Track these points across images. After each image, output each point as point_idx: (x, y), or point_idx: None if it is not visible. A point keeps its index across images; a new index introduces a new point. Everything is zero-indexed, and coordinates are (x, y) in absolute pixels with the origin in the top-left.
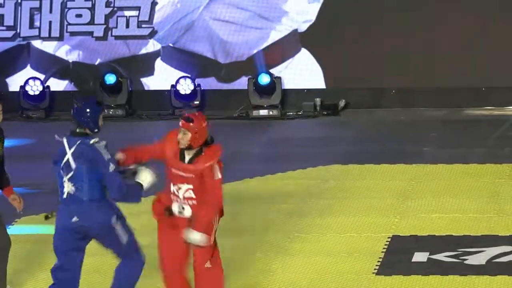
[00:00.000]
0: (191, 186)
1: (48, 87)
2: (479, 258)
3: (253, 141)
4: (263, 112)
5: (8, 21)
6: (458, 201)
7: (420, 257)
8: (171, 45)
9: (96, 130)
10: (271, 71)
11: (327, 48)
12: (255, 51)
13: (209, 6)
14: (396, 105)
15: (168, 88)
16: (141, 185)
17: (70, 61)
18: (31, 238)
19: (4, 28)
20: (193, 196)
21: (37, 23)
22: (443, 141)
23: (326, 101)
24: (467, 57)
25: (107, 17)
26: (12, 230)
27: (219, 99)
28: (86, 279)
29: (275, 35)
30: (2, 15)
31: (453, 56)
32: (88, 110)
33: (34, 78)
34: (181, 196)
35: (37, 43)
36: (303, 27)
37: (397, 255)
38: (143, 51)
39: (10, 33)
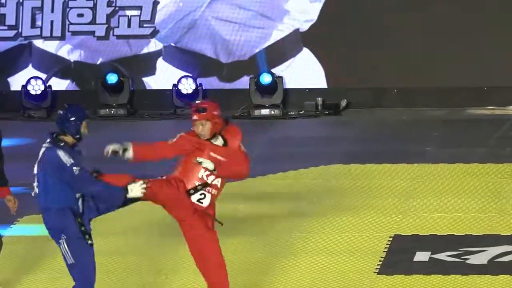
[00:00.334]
0: None
1: (49, 86)
2: (480, 258)
3: (255, 141)
4: (265, 111)
5: (10, 20)
6: (460, 201)
7: (421, 256)
8: (172, 44)
9: (77, 136)
10: (273, 70)
11: (329, 48)
12: (257, 51)
13: (211, 5)
14: (397, 105)
15: (170, 87)
16: (126, 191)
17: (72, 60)
18: (31, 238)
19: (5, 27)
20: (218, 185)
21: (38, 23)
22: (445, 140)
23: (328, 100)
24: (469, 57)
25: (109, 17)
26: (13, 230)
27: (221, 99)
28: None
29: (276, 35)
30: (4, 15)
31: (454, 56)
32: (70, 116)
33: (36, 78)
34: (209, 181)
35: (38, 43)
36: (304, 27)
37: (399, 255)
38: (145, 50)
39: (12, 33)
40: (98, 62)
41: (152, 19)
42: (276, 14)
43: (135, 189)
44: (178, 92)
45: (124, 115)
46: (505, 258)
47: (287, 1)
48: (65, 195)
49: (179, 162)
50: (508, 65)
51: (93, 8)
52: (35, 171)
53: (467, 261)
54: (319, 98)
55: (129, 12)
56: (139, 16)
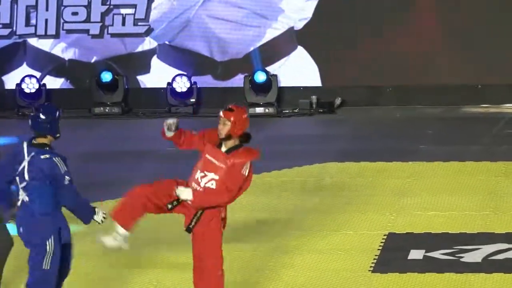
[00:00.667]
0: (216, 177)
1: (44, 85)
2: (475, 256)
3: None
4: (259, 109)
5: (4, 18)
6: (454, 199)
7: (416, 254)
8: (167, 43)
9: (57, 135)
10: (267, 68)
11: (323, 46)
12: (251, 49)
13: (206, 4)
14: (392, 103)
15: (164, 86)
16: (94, 210)
17: (66, 59)
18: None
19: (0, 26)
20: (213, 188)
21: (33, 21)
22: (439, 138)
23: (322, 98)
24: (463, 55)
25: (103, 15)
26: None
27: (215, 97)
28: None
29: (271, 33)
30: None
31: (449, 54)
32: (45, 116)
33: (30, 76)
34: (202, 184)
35: (33, 41)
36: (299, 25)
37: (393, 253)
38: (139, 48)
39: (6, 31)
40: (93, 61)
41: (146, 18)
42: (270, 12)
43: (100, 215)
44: (173, 90)
45: (119, 114)
46: (500, 256)
47: (281, 0)
48: (54, 201)
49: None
50: (502, 63)
51: (88, 7)
52: (25, 178)
53: (462, 259)
54: (314, 96)
55: (123, 11)
56: (134, 14)
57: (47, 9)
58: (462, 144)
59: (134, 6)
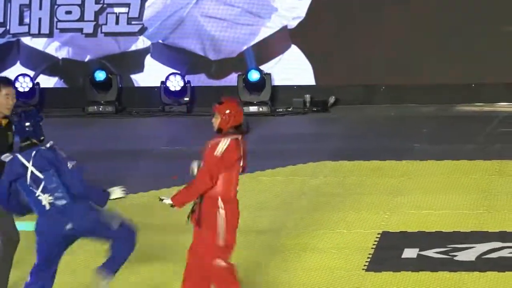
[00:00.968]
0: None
1: (37, 84)
2: (468, 255)
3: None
4: (253, 108)
5: None
6: (448, 197)
7: (409, 253)
8: (161, 41)
9: (42, 138)
10: (261, 67)
11: (317, 45)
12: (245, 48)
13: (199, 2)
14: (386, 102)
15: (158, 84)
16: (109, 193)
17: (60, 57)
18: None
19: None
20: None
21: (26, 20)
22: (433, 137)
23: (316, 97)
24: (457, 54)
25: (97, 14)
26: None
27: (209, 96)
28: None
29: (265, 32)
30: None
31: (443, 53)
32: (28, 122)
33: (24, 75)
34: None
35: (26, 40)
36: (292, 24)
37: (387, 252)
38: (133, 47)
39: None
40: (86, 59)
41: (140, 16)
42: (264, 11)
43: (116, 191)
44: (166, 89)
45: (112, 112)
46: (493, 255)
47: None
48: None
49: None
50: (496, 62)
51: (81, 5)
52: (41, 179)
53: (455, 258)
54: (307, 95)
55: (117, 9)
56: (127, 13)
57: (40, 8)
58: (456, 143)
59: (127, 5)
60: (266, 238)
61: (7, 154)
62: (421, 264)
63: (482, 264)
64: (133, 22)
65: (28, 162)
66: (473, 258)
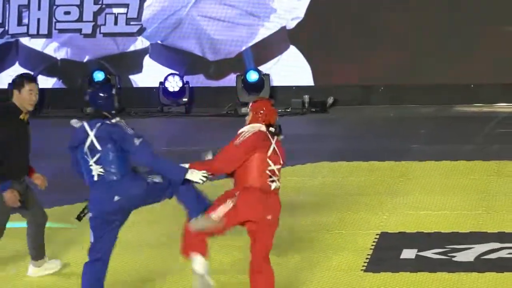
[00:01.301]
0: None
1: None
2: (467, 255)
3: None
4: None
5: None
6: (447, 198)
7: (408, 254)
8: (159, 42)
9: (113, 112)
10: (260, 68)
11: (316, 45)
12: (243, 48)
13: (198, 3)
14: (384, 102)
15: (157, 85)
16: (186, 170)
17: (59, 58)
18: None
19: None
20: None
21: (25, 20)
22: (432, 138)
23: (315, 98)
24: (456, 55)
25: (96, 14)
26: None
27: (208, 96)
28: None
29: (263, 32)
30: None
31: (442, 54)
32: (102, 94)
33: None
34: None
35: (25, 40)
36: (291, 24)
37: (386, 252)
38: (132, 48)
39: None
40: (85, 60)
41: (139, 17)
42: (263, 12)
43: (196, 174)
44: (165, 89)
45: None
46: (492, 255)
47: None
48: (127, 165)
49: None
50: (495, 63)
51: (80, 6)
52: (98, 150)
53: (454, 259)
54: (306, 96)
55: (116, 10)
56: (126, 14)
57: (39, 9)
58: (455, 144)
59: (126, 5)
60: None
61: (76, 120)
62: (420, 265)
63: (480, 265)
64: (131, 23)
65: (91, 130)
66: (471, 259)
